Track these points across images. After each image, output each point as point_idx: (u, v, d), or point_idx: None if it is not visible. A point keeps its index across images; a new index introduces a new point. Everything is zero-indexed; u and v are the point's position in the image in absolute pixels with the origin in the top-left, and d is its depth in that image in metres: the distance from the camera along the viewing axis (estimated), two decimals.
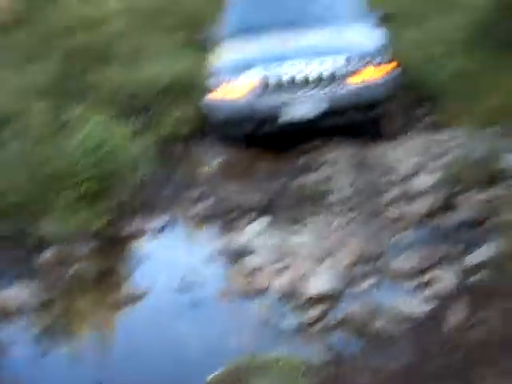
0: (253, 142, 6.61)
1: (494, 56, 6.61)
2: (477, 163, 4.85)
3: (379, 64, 6.40)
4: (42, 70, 6.41)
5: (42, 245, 4.83)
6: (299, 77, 6.26)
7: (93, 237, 4.95)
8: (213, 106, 6.60)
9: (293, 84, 6.27)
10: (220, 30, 7.57)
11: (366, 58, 6.37)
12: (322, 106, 6.24)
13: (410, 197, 5.04)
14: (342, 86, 6.26)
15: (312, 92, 6.27)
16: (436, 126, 6.71)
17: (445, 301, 3.49)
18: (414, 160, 5.86)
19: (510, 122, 5.64)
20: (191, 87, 7.18)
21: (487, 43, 6.74)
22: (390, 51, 6.63)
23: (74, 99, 6.50)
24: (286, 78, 6.27)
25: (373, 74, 6.36)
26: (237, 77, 6.39)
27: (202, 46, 7.54)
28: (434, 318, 3.36)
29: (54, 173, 5.10)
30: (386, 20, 7.42)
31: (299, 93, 6.28)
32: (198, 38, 7.79)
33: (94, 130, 5.26)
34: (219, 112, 6.56)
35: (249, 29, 7.30)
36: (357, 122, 6.50)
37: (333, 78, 6.25)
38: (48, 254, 4.64)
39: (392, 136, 6.51)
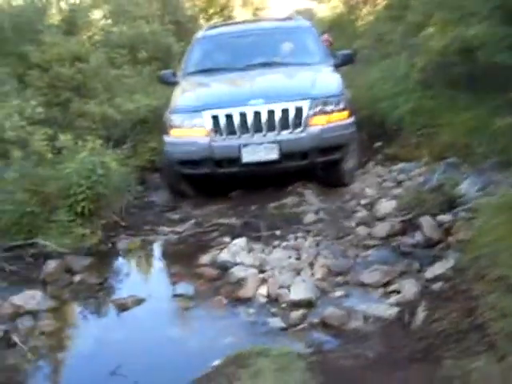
0: (211, 182, 6.81)
1: (447, 95, 7.37)
2: (433, 191, 5.51)
3: (341, 108, 6.47)
4: (32, 99, 6.86)
5: (40, 258, 5.29)
6: (260, 119, 6.27)
7: (88, 252, 5.43)
8: (172, 145, 6.58)
9: (253, 126, 6.27)
10: (184, 67, 7.83)
11: (328, 102, 6.43)
12: (284, 149, 6.27)
13: (372, 220, 5.70)
14: (303, 129, 6.29)
15: (273, 134, 6.29)
16: (393, 159, 7.44)
17: (408, 305, 4.09)
18: (375, 188, 6.56)
19: (461, 155, 6.37)
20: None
21: (441, 84, 7.47)
22: (349, 94, 6.94)
23: (62, 127, 6.98)
24: (247, 119, 6.27)
25: (334, 118, 6.42)
26: (197, 117, 6.40)
27: (171, 81, 7.68)
28: (401, 319, 3.96)
29: (52, 193, 5.56)
30: (349, 61, 7.78)
31: (260, 135, 6.29)
32: (166, 73, 7.84)
33: (88, 155, 5.75)
34: (179, 151, 6.52)
35: (213, 68, 7.58)
36: (319, 164, 6.58)
37: (294, 122, 6.27)
38: (52, 266, 5.08)
39: (353, 169, 7.08)
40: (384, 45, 10.71)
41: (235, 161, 6.35)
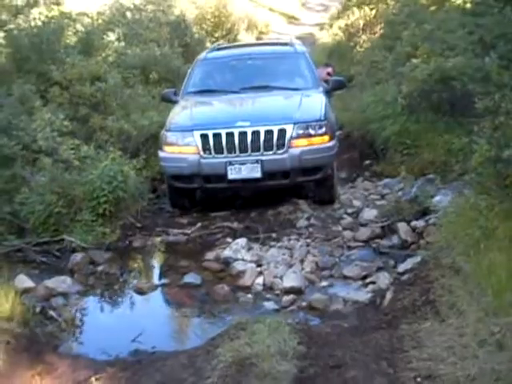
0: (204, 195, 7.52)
1: (429, 119, 8.22)
2: (410, 201, 6.33)
3: (322, 132, 6.86)
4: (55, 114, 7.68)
5: (65, 253, 6.12)
6: (246, 139, 6.72)
7: (108, 247, 6.26)
8: (166, 160, 7.12)
9: (239, 145, 6.72)
10: (184, 87, 8.37)
11: (311, 127, 6.85)
12: (266, 168, 6.71)
13: (356, 226, 6.54)
14: (285, 150, 6.72)
15: (257, 154, 6.74)
16: (380, 175, 8.30)
17: (381, 292, 4.92)
18: (361, 200, 7.39)
19: (439, 172, 7.21)
20: None
21: (424, 108, 8.32)
22: (334, 119, 7.52)
23: (82, 140, 7.77)
24: (234, 139, 6.73)
25: (315, 141, 6.83)
26: (189, 136, 6.88)
27: (172, 100, 8.17)
28: (373, 301, 4.79)
29: (77, 196, 6.39)
30: (340, 86, 8.35)
31: (245, 154, 6.74)
32: (167, 92, 8.36)
33: (110, 164, 6.58)
34: (171, 166, 7.07)
35: (210, 89, 8.16)
36: (301, 183, 7.12)
37: (277, 143, 6.71)
38: (78, 257, 5.92)
39: (342, 184, 7.93)
40: (377, 72, 11.57)
41: (222, 177, 6.83)
